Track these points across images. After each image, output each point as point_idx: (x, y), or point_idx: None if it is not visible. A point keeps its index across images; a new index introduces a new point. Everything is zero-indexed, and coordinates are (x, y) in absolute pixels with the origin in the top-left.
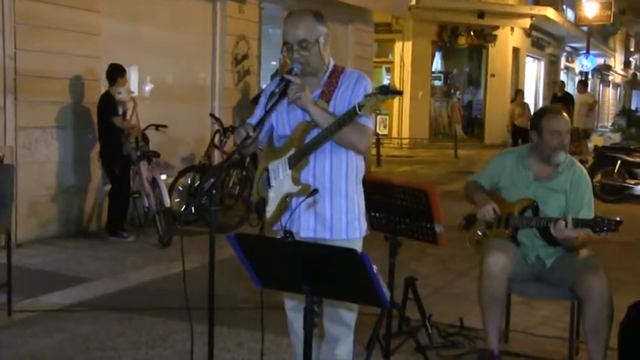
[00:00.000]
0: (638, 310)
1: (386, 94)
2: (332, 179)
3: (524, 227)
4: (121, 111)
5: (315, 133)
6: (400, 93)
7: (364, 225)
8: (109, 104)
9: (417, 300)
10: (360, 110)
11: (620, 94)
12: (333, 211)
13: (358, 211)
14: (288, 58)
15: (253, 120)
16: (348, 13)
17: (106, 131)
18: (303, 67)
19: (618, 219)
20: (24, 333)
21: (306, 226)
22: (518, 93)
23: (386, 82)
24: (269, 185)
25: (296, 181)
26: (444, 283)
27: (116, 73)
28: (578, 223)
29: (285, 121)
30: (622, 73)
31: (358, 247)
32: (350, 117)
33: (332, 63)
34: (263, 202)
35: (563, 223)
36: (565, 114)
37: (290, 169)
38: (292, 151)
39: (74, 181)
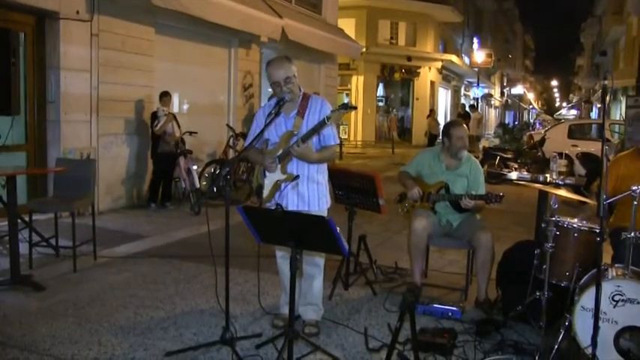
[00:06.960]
0: (509, 254)
1: (346, 109)
2: (309, 170)
3: (439, 201)
4: (155, 122)
5: (295, 139)
6: (355, 108)
7: (329, 199)
8: (153, 118)
9: (367, 250)
10: (327, 121)
11: (498, 113)
12: (309, 191)
13: (325, 190)
14: (277, 93)
15: (249, 138)
16: (320, 56)
17: (152, 136)
18: (289, 95)
19: (501, 194)
20: (104, 271)
21: (292, 202)
22: (431, 111)
23: (346, 100)
24: (264, 175)
25: (284, 171)
26: (385, 238)
27: (161, 96)
28: (476, 197)
29: (274, 132)
30: (499, 99)
31: (326, 214)
32: (321, 125)
33: (302, 91)
34: (260, 187)
35: (467, 197)
36: (465, 125)
37: (279, 163)
38: (280, 152)
39: (136, 170)
